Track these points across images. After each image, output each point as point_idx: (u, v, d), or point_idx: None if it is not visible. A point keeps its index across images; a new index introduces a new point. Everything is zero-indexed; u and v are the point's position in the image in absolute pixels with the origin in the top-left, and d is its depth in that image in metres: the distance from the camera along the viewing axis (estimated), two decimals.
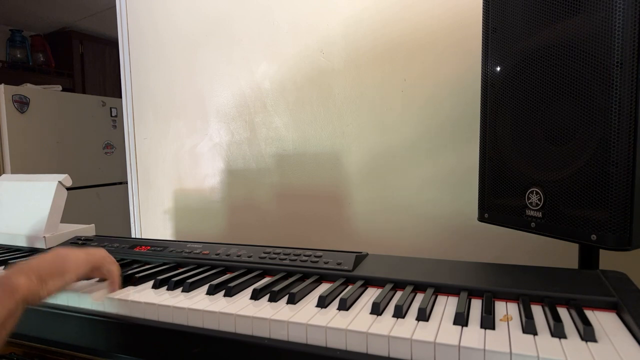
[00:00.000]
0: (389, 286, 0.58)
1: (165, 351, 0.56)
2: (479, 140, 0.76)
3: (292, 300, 0.55)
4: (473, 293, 0.56)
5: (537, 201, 0.64)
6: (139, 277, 0.67)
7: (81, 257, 0.61)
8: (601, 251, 0.64)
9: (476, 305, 0.52)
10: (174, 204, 1.44)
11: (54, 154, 2.62)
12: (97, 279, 0.68)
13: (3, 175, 1.06)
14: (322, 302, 0.54)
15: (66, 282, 0.57)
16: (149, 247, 0.83)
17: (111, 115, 2.95)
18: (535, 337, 0.43)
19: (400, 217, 1.07)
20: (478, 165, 0.76)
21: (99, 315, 0.60)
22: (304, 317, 0.50)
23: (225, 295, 0.59)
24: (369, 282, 0.62)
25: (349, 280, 0.63)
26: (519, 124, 0.68)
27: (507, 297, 0.54)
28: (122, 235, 0.95)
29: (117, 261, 0.78)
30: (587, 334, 0.42)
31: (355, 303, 0.55)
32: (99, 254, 0.64)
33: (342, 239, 1.15)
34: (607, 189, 0.55)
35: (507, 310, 0.50)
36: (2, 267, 0.79)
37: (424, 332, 0.45)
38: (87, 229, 0.99)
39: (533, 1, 0.64)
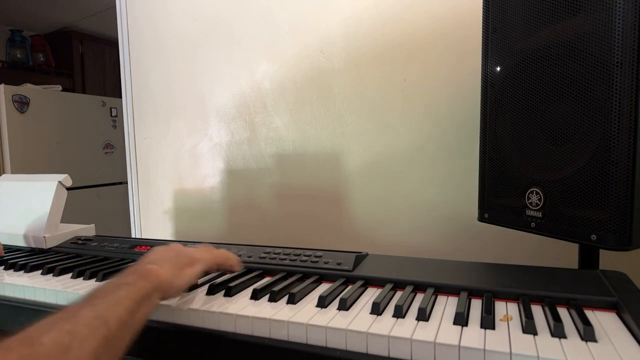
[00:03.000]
0: (389, 286, 0.58)
1: (165, 351, 0.56)
2: (479, 140, 0.76)
3: (292, 300, 0.55)
4: (473, 293, 0.56)
5: (537, 201, 0.64)
6: None
7: (200, 250, 0.60)
8: (601, 251, 0.64)
9: (476, 305, 0.52)
10: (174, 204, 1.44)
11: (54, 154, 2.62)
12: None
13: (3, 175, 1.06)
14: (322, 302, 0.54)
15: (199, 271, 0.57)
16: (149, 247, 0.83)
17: (111, 115, 2.95)
18: (535, 337, 0.43)
19: (400, 217, 1.08)
20: (478, 165, 0.76)
21: None
22: (304, 317, 0.50)
23: (225, 295, 0.59)
24: (369, 282, 0.62)
25: (349, 280, 0.63)
26: (519, 124, 0.68)
27: (507, 297, 0.54)
28: (122, 235, 0.95)
29: (119, 261, 0.78)
30: (587, 334, 0.42)
31: (355, 303, 0.55)
32: (223, 252, 0.64)
33: (342, 239, 1.15)
34: (607, 189, 0.55)
35: (507, 310, 0.50)
36: (2, 267, 0.79)
37: (424, 332, 0.45)
38: (87, 229, 0.99)
39: (533, 1, 0.64)
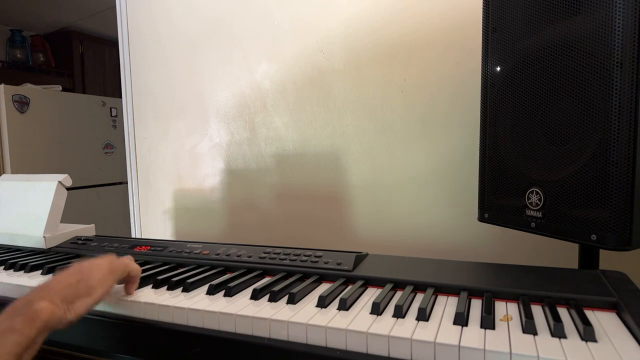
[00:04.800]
0: (389, 286, 0.58)
1: (165, 351, 0.56)
2: (479, 140, 0.76)
3: (292, 300, 0.55)
4: (473, 293, 0.56)
5: (537, 201, 0.64)
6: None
7: (105, 269, 0.58)
8: (601, 251, 0.64)
9: (476, 305, 0.52)
10: (174, 204, 1.44)
11: (54, 154, 2.62)
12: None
13: (3, 175, 1.06)
14: (322, 302, 0.54)
15: (95, 301, 0.54)
16: (149, 247, 0.83)
17: (111, 115, 2.95)
18: (535, 337, 0.43)
19: (400, 217, 1.07)
20: (478, 165, 0.76)
21: (99, 315, 0.60)
22: (304, 317, 0.50)
23: (225, 295, 0.59)
24: (369, 282, 0.62)
25: (349, 280, 0.63)
26: (519, 124, 0.68)
27: (507, 297, 0.54)
28: (122, 235, 0.95)
29: None
30: (587, 334, 0.42)
31: (355, 303, 0.55)
32: (122, 263, 0.61)
33: (342, 239, 1.15)
34: (607, 189, 0.55)
35: (507, 310, 0.50)
36: (2, 267, 0.79)
37: (424, 332, 0.45)
38: (87, 229, 0.99)
39: (533, 1, 0.64)
